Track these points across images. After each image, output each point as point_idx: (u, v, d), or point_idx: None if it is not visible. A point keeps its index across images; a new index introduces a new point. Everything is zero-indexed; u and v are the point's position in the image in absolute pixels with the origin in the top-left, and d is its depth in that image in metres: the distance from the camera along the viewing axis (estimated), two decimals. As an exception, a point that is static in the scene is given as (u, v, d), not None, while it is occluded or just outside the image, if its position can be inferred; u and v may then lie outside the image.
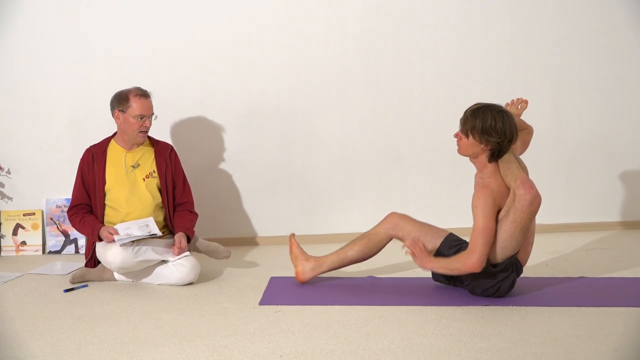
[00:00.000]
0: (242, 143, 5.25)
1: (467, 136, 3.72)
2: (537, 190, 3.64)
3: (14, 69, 5.10)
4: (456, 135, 3.79)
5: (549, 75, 5.42)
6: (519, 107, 4.15)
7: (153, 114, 4.35)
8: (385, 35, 5.27)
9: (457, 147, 3.80)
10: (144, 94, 4.31)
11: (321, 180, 5.33)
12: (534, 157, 5.45)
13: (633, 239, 5.18)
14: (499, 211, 3.68)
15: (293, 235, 4.25)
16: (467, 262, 3.62)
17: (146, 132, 4.35)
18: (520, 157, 3.91)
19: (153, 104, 4.36)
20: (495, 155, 3.70)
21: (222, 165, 5.27)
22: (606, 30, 5.41)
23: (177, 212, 4.47)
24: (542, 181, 5.46)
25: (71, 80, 5.12)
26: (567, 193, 5.49)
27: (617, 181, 5.52)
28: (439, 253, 3.84)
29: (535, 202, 3.62)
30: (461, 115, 5.31)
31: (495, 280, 3.73)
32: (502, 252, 3.68)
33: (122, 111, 4.30)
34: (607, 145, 5.50)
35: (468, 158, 3.79)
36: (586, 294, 3.87)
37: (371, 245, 4.07)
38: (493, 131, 3.64)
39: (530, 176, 5.39)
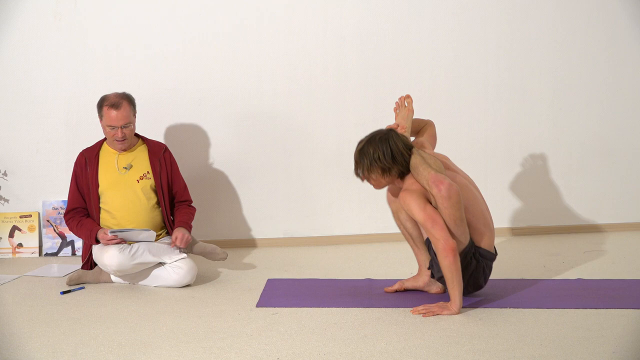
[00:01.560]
0: (238, 144, 5.25)
1: (370, 179, 3.75)
2: (448, 182, 3.57)
3: (10, 72, 5.09)
4: (363, 181, 3.80)
5: (547, 78, 5.41)
6: (406, 104, 4.08)
7: (129, 122, 4.31)
8: (383, 38, 5.26)
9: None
10: (115, 105, 4.26)
11: (318, 182, 5.32)
12: (533, 159, 5.46)
13: (630, 241, 5.18)
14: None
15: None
16: (442, 254, 3.55)
17: (121, 141, 4.33)
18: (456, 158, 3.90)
19: (139, 106, 4.36)
20: (405, 171, 3.71)
21: (219, 167, 5.26)
22: (606, 32, 5.40)
23: (176, 209, 4.49)
24: (540, 183, 5.49)
25: (68, 83, 5.11)
26: (565, 195, 5.49)
27: (615, 183, 5.52)
28: None
29: (451, 193, 3.57)
30: (458, 118, 5.34)
31: (465, 275, 3.68)
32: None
33: (100, 118, 4.34)
34: (605, 148, 5.50)
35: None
36: (584, 296, 3.86)
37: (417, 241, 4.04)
38: (387, 161, 3.66)
39: (528, 178, 5.45)
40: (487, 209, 3.85)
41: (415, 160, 3.68)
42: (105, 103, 4.29)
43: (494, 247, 3.84)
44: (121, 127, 4.27)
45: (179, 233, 4.27)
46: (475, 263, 3.71)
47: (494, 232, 3.85)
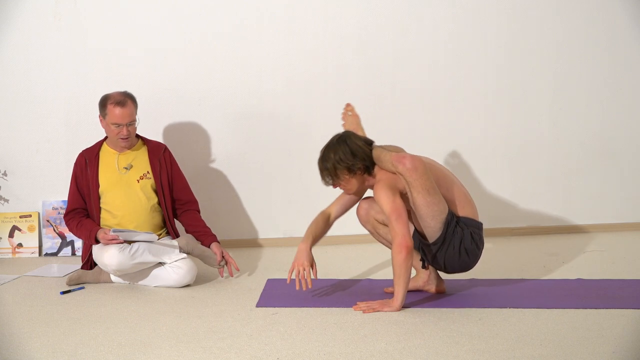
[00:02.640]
0: (239, 144, 5.25)
1: (340, 183, 3.79)
2: (410, 156, 3.65)
3: (10, 72, 5.09)
4: (335, 187, 3.83)
5: (548, 78, 5.41)
6: (349, 114, 4.20)
7: (134, 120, 4.33)
8: (383, 37, 5.26)
9: (347, 192, 3.88)
10: (120, 102, 4.27)
11: (318, 182, 5.29)
12: (533, 159, 5.46)
13: (630, 241, 5.18)
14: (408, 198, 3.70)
15: None
16: (397, 248, 3.57)
17: (125, 139, 4.34)
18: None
19: (140, 106, 4.36)
20: (369, 165, 3.74)
21: (219, 167, 5.27)
22: (606, 32, 5.40)
23: (186, 212, 4.49)
24: (540, 183, 5.49)
25: (67, 83, 5.11)
26: (565, 195, 5.49)
27: (615, 183, 5.52)
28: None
29: (416, 164, 3.61)
30: (458, 118, 5.33)
31: (454, 244, 3.68)
32: (434, 222, 3.67)
33: (103, 117, 4.32)
34: (605, 147, 5.49)
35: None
36: (584, 296, 3.86)
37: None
38: (351, 160, 3.70)
39: (528, 178, 5.45)
40: (463, 187, 3.86)
41: (376, 152, 3.75)
42: (109, 101, 4.29)
43: (479, 220, 3.83)
44: (126, 125, 4.28)
45: (222, 250, 4.37)
46: (461, 230, 3.71)
47: (475, 207, 3.83)
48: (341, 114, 4.24)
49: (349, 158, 3.71)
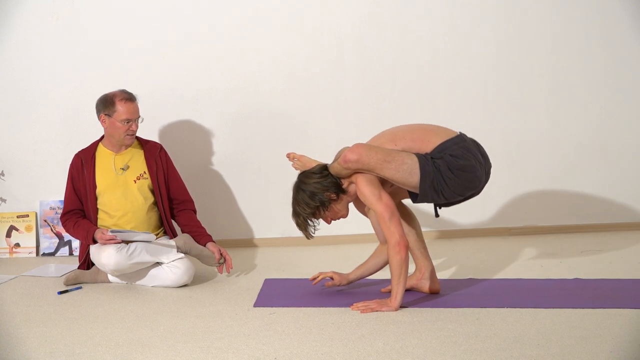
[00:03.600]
0: (236, 143, 5.24)
1: (327, 219, 3.78)
2: (347, 150, 3.63)
3: (8, 71, 5.09)
4: (329, 223, 3.83)
5: (546, 78, 5.40)
6: (296, 160, 4.07)
7: (140, 116, 4.34)
8: (381, 36, 5.26)
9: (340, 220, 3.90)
10: (129, 98, 4.30)
11: (316, 182, 5.31)
12: (531, 159, 5.46)
13: (627, 241, 5.19)
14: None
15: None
16: (395, 249, 3.57)
17: (133, 134, 4.34)
18: None
19: (141, 106, 4.36)
20: (339, 186, 3.72)
21: (216, 166, 5.26)
22: (605, 31, 5.40)
23: (182, 212, 4.49)
24: (538, 183, 5.48)
25: (65, 83, 5.11)
26: (562, 195, 5.49)
27: (612, 183, 5.52)
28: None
29: (357, 151, 3.58)
30: (456, 117, 5.33)
31: (446, 175, 3.61)
32: (414, 176, 3.60)
33: (108, 115, 4.29)
34: (603, 147, 5.49)
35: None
36: (581, 295, 3.87)
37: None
38: (314, 202, 3.68)
39: (526, 178, 5.45)
40: (422, 125, 3.82)
41: (332, 170, 3.72)
42: (117, 98, 4.28)
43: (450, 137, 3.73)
44: (135, 120, 4.29)
45: (219, 248, 4.35)
46: (441, 160, 3.62)
47: (440, 129, 3.77)
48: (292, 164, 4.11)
49: (310, 202, 3.69)
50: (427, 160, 3.62)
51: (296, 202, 3.74)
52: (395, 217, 3.60)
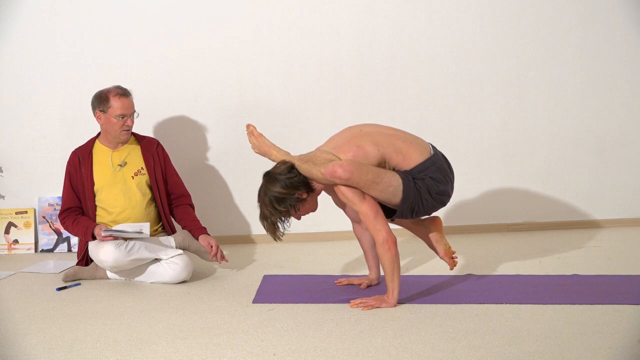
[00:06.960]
0: (234, 140, 5.24)
1: (298, 215, 3.74)
2: (337, 164, 3.54)
3: (6, 68, 5.08)
4: (299, 218, 3.78)
5: (543, 74, 5.41)
6: (254, 133, 3.95)
7: (135, 111, 4.34)
8: (379, 33, 5.26)
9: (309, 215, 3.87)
10: (124, 93, 4.30)
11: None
12: (528, 155, 5.47)
13: (625, 237, 5.19)
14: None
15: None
16: (384, 246, 3.58)
17: (129, 130, 4.34)
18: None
19: (135, 102, 4.36)
20: (308, 184, 3.69)
21: (215, 163, 5.26)
22: (602, 28, 5.40)
23: (179, 207, 4.49)
24: (536, 179, 5.49)
25: (63, 79, 5.11)
26: (561, 191, 5.50)
27: (610, 179, 5.53)
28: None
29: (349, 170, 3.52)
30: (454, 114, 5.33)
31: (426, 198, 3.65)
32: (396, 197, 3.61)
33: (103, 111, 4.29)
34: (601, 143, 5.50)
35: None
36: (580, 291, 3.87)
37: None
38: (282, 206, 3.65)
39: (524, 174, 5.45)
40: (400, 133, 3.79)
41: (304, 169, 3.66)
42: (111, 94, 4.29)
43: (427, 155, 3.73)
44: (130, 115, 4.29)
45: (209, 241, 4.32)
46: (422, 181, 3.64)
47: (418, 142, 3.76)
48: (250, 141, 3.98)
49: (281, 206, 3.65)
50: (409, 182, 3.63)
51: (264, 205, 3.69)
52: (380, 215, 3.61)
